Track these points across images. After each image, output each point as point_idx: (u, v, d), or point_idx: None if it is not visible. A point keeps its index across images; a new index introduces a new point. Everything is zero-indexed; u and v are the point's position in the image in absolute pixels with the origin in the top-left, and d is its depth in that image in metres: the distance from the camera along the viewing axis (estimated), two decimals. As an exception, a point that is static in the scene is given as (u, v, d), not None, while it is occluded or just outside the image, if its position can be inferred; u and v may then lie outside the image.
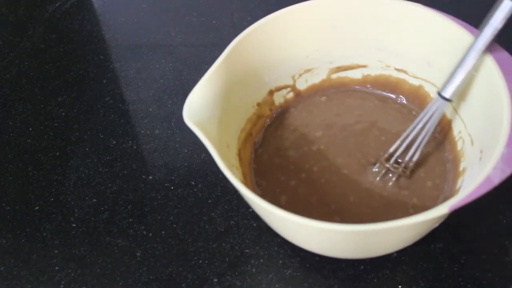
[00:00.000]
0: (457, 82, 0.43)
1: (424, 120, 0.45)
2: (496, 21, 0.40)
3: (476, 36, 0.42)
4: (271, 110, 0.52)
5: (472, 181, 0.35)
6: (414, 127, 0.46)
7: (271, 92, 0.51)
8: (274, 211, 0.35)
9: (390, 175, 0.45)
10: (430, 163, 0.47)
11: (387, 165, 0.45)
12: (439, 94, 0.44)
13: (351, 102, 0.52)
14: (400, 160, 0.46)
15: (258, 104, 0.50)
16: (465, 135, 0.45)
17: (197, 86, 0.41)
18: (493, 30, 0.41)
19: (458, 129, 0.46)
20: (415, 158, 0.45)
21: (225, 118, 0.43)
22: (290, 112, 0.52)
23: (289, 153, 0.49)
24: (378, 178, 0.45)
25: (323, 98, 0.53)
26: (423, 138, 0.45)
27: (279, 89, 0.51)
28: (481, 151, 0.41)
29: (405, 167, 0.45)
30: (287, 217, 0.35)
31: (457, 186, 0.44)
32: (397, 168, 0.45)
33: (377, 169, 0.46)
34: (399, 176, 0.45)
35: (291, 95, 0.53)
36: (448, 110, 0.48)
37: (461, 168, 0.45)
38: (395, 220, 0.34)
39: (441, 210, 0.34)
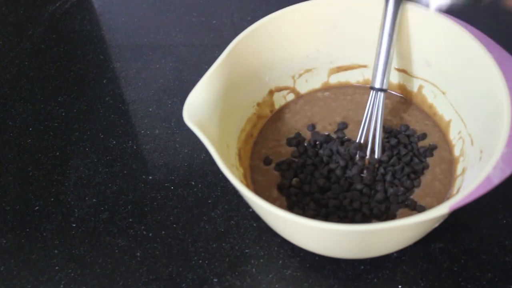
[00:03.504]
0: (381, 70, 0.45)
1: (369, 115, 0.46)
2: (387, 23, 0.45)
3: (381, 27, 0.45)
4: (271, 111, 0.52)
5: (472, 181, 0.35)
6: (365, 124, 0.47)
7: (271, 92, 0.51)
8: (275, 211, 0.35)
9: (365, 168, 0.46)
10: (431, 163, 0.47)
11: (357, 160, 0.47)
12: (371, 87, 0.46)
13: (353, 98, 0.52)
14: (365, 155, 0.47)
15: (258, 104, 0.50)
16: (465, 135, 0.45)
17: (197, 86, 0.41)
18: (391, 21, 0.45)
19: (458, 129, 0.46)
20: (376, 152, 0.46)
21: (225, 118, 0.43)
22: (290, 107, 0.52)
23: (287, 148, 0.49)
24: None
25: (326, 93, 0.53)
26: (375, 131, 0.46)
27: (279, 89, 0.51)
28: (481, 151, 0.41)
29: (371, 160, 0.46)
30: (288, 217, 0.35)
31: (457, 186, 0.44)
32: (362, 161, 0.46)
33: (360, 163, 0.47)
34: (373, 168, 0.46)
35: (291, 96, 0.53)
36: (448, 110, 0.48)
37: (461, 168, 0.45)
38: (395, 220, 0.34)
39: (441, 210, 0.34)
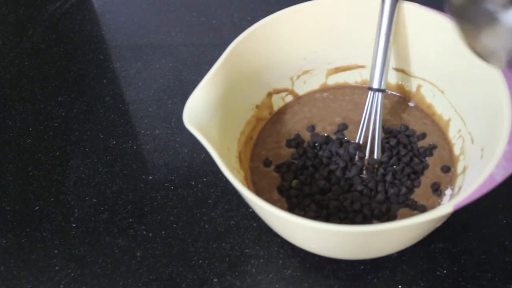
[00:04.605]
0: (379, 71, 0.46)
1: (367, 115, 0.47)
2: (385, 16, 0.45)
3: (377, 27, 0.45)
4: (270, 113, 0.52)
5: (475, 180, 0.35)
6: (363, 124, 0.47)
7: (269, 94, 0.51)
8: (279, 214, 0.35)
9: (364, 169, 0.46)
10: (431, 162, 0.47)
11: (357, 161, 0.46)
12: (369, 88, 0.46)
13: (353, 98, 0.52)
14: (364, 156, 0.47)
15: (257, 107, 0.50)
16: (465, 133, 0.45)
17: (196, 90, 0.41)
18: (387, 20, 0.44)
19: (457, 127, 0.46)
20: (376, 152, 0.46)
21: (225, 120, 0.43)
22: (289, 109, 0.52)
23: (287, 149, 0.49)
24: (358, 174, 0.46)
25: (325, 94, 0.53)
26: (374, 132, 0.46)
27: (277, 91, 0.51)
28: (482, 149, 0.41)
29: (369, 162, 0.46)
30: (292, 220, 0.35)
31: (458, 184, 0.44)
32: (361, 161, 0.47)
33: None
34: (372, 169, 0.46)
35: (289, 97, 0.53)
36: (447, 108, 0.48)
37: (461, 167, 0.45)
38: (398, 220, 0.33)
39: (445, 209, 0.34)
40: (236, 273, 0.44)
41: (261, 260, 0.44)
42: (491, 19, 0.28)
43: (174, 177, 0.51)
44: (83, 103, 0.59)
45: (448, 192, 0.45)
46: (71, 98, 0.60)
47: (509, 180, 0.35)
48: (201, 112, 0.40)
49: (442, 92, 0.48)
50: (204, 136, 0.38)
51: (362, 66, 0.52)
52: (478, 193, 0.34)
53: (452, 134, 0.47)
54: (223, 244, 0.45)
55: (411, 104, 0.51)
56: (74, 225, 0.48)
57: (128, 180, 0.51)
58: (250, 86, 0.48)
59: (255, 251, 0.45)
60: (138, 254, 0.45)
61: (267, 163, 0.48)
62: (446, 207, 0.34)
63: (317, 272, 0.43)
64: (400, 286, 0.42)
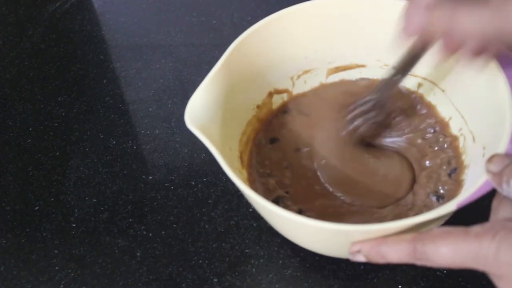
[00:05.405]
0: None
1: None
2: None
3: None
4: (271, 113, 0.51)
5: (476, 178, 0.35)
6: None
7: (270, 94, 0.51)
8: (285, 214, 0.35)
9: None
10: (431, 160, 0.47)
11: None
12: None
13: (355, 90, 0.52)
14: None
15: (258, 107, 0.50)
16: (466, 132, 0.45)
17: (198, 89, 0.41)
18: None
19: (458, 126, 0.46)
20: None
21: (226, 121, 0.43)
22: (291, 103, 0.52)
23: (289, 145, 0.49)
24: None
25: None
26: None
27: (278, 92, 0.51)
28: (483, 148, 0.41)
29: None
30: (298, 220, 0.34)
31: (460, 183, 0.44)
32: None
33: None
34: None
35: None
36: (448, 107, 0.48)
37: (463, 165, 0.45)
38: (401, 219, 0.33)
39: (449, 208, 0.34)
40: (236, 273, 0.44)
41: (261, 260, 0.44)
42: None
43: (174, 177, 0.51)
44: (83, 103, 0.59)
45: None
46: (71, 98, 0.60)
47: (510, 180, 0.35)
48: (202, 112, 0.40)
49: (443, 90, 0.48)
50: (206, 136, 0.38)
51: (363, 66, 0.52)
52: (481, 192, 0.34)
53: (453, 132, 0.47)
54: (223, 244, 0.45)
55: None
56: (74, 225, 0.48)
57: (128, 180, 0.51)
58: (251, 86, 0.48)
59: (255, 251, 0.45)
60: (138, 254, 0.45)
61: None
62: (450, 205, 0.34)
63: (317, 272, 0.43)
64: (400, 286, 0.42)
